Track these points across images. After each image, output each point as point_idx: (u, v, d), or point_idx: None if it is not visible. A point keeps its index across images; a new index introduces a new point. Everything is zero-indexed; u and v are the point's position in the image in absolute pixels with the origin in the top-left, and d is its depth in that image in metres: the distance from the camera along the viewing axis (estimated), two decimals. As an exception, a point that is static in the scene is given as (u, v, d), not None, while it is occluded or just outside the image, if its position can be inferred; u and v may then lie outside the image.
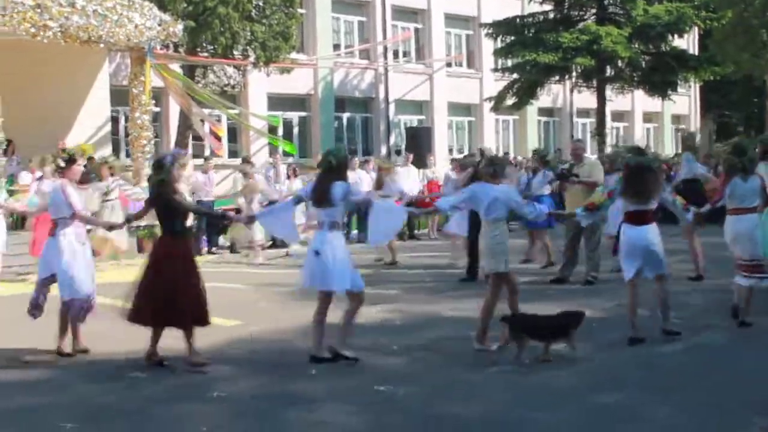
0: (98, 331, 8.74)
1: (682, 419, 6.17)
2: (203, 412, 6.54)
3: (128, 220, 9.81)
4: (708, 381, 7.20)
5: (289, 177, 19.98)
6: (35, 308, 8.58)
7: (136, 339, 8.79)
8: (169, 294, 7.86)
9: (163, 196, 8.16)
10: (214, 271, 14.95)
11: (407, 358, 8.21)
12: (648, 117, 41.55)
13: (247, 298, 12.20)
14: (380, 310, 10.70)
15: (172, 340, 8.05)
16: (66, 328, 8.49)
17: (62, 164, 8.75)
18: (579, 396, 6.83)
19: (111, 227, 11.29)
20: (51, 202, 8.74)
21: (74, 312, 8.42)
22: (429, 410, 6.55)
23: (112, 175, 16.30)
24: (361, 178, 20.42)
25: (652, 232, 8.60)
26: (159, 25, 18.71)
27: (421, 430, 6.16)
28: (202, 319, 8.12)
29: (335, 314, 8.05)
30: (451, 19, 34.03)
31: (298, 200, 8.79)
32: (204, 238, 18.52)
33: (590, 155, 12.88)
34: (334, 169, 8.13)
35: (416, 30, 33.29)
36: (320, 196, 8.05)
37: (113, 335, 8.78)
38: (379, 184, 16.49)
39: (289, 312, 10.58)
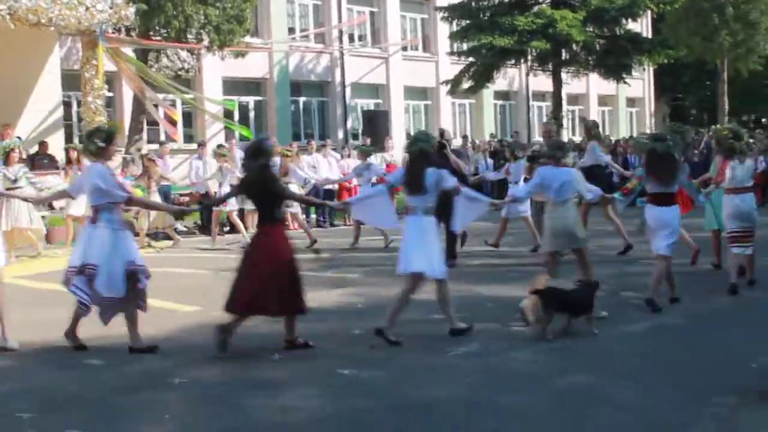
0: (58, 319, 8.55)
1: (648, 402, 6.15)
2: (166, 400, 6.40)
3: (210, 204, 9.37)
4: (674, 362, 7.21)
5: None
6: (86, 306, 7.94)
7: (95, 326, 8.67)
8: (274, 281, 7.62)
9: (265, 182, 7.87)
10: (173, 256, 14.79)
11: (369, 342, 8.11)
12: (603, 100, 41.82)
13: (206, 283, 12.03)
14: (341, 293, 10.66)
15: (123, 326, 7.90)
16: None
17: (101, 144, 8.06)
18: (545, 379, 6.79)
19: (182, 213, 11.04)
20: (93, 188, 7.91)
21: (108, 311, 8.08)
22: (394, 393, 6.49)
23: (22, 161, 14.94)
24: (318, 162, 20.33)
25: (671, 212, 9.15)
26: (110, 8, 18.34)
27: (386, 413, 6.07)
28: (303, 306, 7.88)
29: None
30: (407, 3, 33.94)
31: (391, 187, 8.73)
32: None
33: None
34: (425, 156, 8.19)
35: (372, 14, 33.16)
36: (414, 184, 8.11)
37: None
38: (283, 171, 16.38)
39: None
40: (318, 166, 20.37)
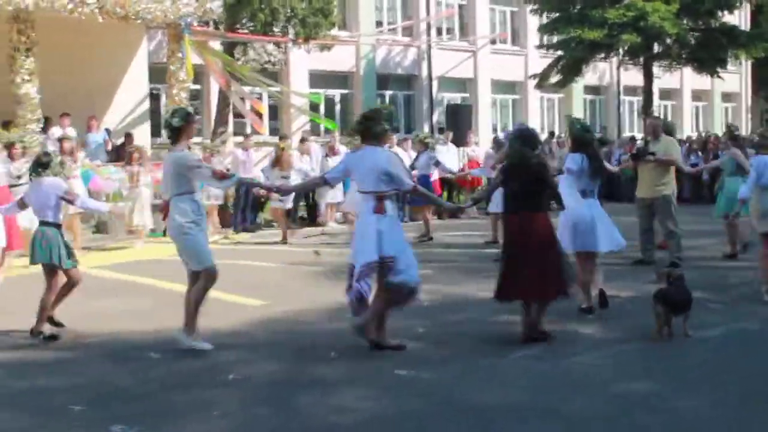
0: (127, 309, 8.66)
1: (710, 413, 5.86)
2: (217, 396, 6.35)
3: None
4: (746, 371, 6.84)
5: (327, 155, 19.68)
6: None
7: (159, 318, 8.76)
8: (538, 267, 7.68)
9: (538, 169, 7.91)
10: (246, 249, 14.87)
11: (432, 341, 7.98)
12: (697, 95, 40.71)
13: (275, 277, 12.07)
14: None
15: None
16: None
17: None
18: (603, 384, 6.55)
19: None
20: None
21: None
22: (449, 396, 6.32)
23: (24, 155, 14.29)
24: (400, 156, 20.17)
25: None
26: (196, 1, 18.63)
27: (440, 417, 5.91)
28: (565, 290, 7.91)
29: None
30: (496, -4, 33.58)
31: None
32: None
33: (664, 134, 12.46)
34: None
35: (460, 7, 32.88)
36: (597, 169, 8.98)
37: (138, 313, 8.74)
38: (277, 163, 16.53)
39: (317, 293, 10.44)
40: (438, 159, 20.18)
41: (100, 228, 17.11)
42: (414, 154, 18.04)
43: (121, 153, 19.41)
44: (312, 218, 19.51)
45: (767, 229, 9.47)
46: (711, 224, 13.92)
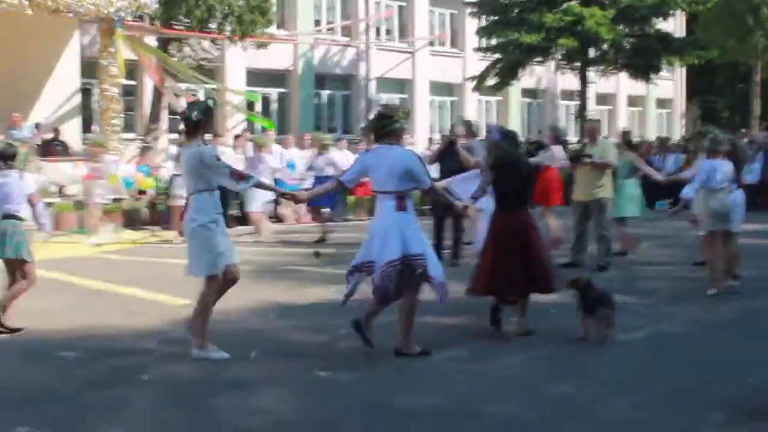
0: (48, 308, 8.44)
1: (635, 415, 5.83)
2: (132, 397, 6.15)
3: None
4: (668, 374, 6.85)
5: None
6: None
7: (78, 316, 8.56)
8: (534, 262, 7.92)
9: (526, 166, 8.44)
10: (174, 247, 14.59)
11: (356, 341, 7.83)
12: (633, 101, 41.26)
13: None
14: (336, 291, 10.34)
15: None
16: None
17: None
18: (531, 387, 6.48)
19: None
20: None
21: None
22: (369, 399, 6.20)
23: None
24: (334, 156, 20.07)
25: None
26: (130, -5, 18.34)
27: (356, 420, 5.79)
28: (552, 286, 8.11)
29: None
30: (435, -3, 33.66)
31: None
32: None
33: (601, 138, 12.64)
34: None
35: (399, 8, 32.93)
36: None
37: (54, 312, 8.53)
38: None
39: (242, 292, 10.23)
40: (335, 161, 20.09)
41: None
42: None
43: (49, 148, 19.02)
44: (243, 218, 19.27)
45: (713, 229, 10.03)
46: (642, 227, 14.07)
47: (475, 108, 34.81)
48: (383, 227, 7.22)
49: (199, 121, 7.28)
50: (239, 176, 7.44)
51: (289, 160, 19.29)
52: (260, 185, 8.10)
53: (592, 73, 31.31)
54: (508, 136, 8.43)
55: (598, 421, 5.74)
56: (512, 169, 8.10)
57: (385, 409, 5.99)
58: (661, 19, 30.66)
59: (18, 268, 8.31)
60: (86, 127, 22.09)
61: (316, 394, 6.34)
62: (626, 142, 13.46)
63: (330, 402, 6.15)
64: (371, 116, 9.78)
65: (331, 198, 15.77)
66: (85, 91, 22.33)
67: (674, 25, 37.46)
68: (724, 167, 9.95)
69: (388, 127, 7.32)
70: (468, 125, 13.23)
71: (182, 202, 14.98)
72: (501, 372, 6.95)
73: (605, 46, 29.64)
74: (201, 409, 5.93)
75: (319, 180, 15.56)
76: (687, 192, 11.18)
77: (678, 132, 40.65)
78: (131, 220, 18.56)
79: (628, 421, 5.74)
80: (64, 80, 20.82)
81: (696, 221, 10.96)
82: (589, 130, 12.95)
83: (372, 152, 7.56)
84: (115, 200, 18.49)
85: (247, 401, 6.13)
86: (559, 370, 7.03)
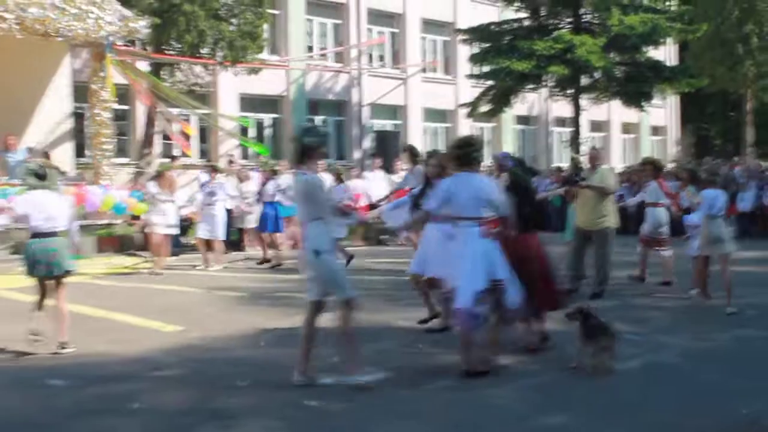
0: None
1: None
2: (118, 427, 6.07)
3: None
4: (662, 404, 6.77)
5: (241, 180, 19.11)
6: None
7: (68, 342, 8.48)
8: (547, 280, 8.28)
9: (532, 194, 8.70)
10: (168, 273, 14.53)
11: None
12: (626, 128, 41.40)
13: (196, 302, 11.79)
14: (329, 318, 10.27)
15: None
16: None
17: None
18: (522, 417, 6.40)
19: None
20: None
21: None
22: (360, 428, 6.13)
23: None
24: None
25: None
26: (120, 20, 18.29)
27: (348, 451, 5.74)
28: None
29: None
30: (428, 25, 33.78)
31: None
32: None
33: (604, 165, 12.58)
34: None
35: (392, 34, 33.03)
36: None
37: (44, 337, 8.43)
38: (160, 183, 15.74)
39: (235, 319, 10.23)
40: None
41: (19, 249, 16.57)
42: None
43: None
44: (237, 243, 19.18)
45: (712, 253, 10.95)
46: (633, 255, 14.00)
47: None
48: (464, 253, 7.41)
49: (311, 147, 7.15)
50: (343, 211, 7.84)
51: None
52: (363, 221, 8.42)
53: (584, 101, 31.35)
54: (521, 162, 8.89)
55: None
56: (525, 195, 8.36)
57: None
58: (651, 47, 30.75)
59: (57, 283, 8.55)
60: (80, 152, 22.00)
61: (304, 424, 6.24)
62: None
63: (318, 432, 6.06)
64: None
65: (274, 223, 16.39)
66: (79, 116, 22.25)
67: (665, 53, 37.68)
68: (722, 196, 10.88)
69: (472, 155, 7.59)
70: (411, 151, 13.11)
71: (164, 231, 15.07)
72: (491, 401, 6.86)
73: (597, 74, 29.70)
74: (187, 439, 5.84)
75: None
76: (693, 219, 11.68)
77: (670, 159, 40.76)
78: (124, 246, 18.47)
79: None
80: (55, 104, 20.73)
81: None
82: (591, 157, 12.65)
83: (453, 179, 7.66)
84: (107, 225, 18.44)
85: (234, 431, 6.02)
86: (550, 400, 6.93)
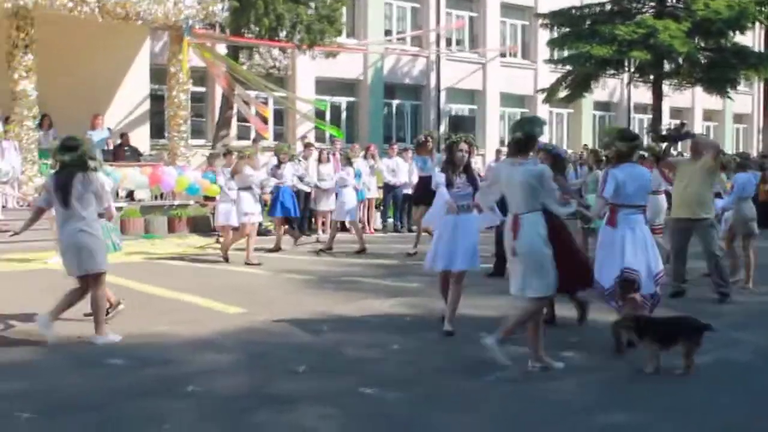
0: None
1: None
2: (171, 409, 6.07)
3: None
4: (729, 404, 6.49)
5: (320, 161, 19.07)
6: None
7: (129, 322, 8.59)
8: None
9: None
10: (233, 254, 14.58)
11: (405, 358, 7.69)
12: (708, 115, 40.44)
13: (263, 284, 11.85)
14: (393, 304, 10.27)
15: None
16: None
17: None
18: (580, 412, 6.22)
19: None
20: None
21: None
22: (415, 418, 6.04)
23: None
24: (398, 166, 20.08)
25: None
26: (198, 3, 18.48)
27: (400, 441, 5.67)
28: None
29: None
30: (507, 9, 33.41)
31: None
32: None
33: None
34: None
35: (471, 18, 32.74)
36: None
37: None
38: (234, 173, 14.49)
39: (300, 302, 10.24)
40: (397, 170, 20.06)
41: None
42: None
43: (118, 153, 19.26)
44: (308, 226, 19.29)
45: (745, 232, 11.89)
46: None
47: (546, 120, 34.36)
48: (638, 238, 7.88)
49: (534, 138, 7.23)
50: (564, 200, 7.91)
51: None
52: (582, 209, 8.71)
53: (666, 87, 30.64)
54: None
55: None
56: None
57: (427, 429, 5.82)
58: (737, 32, 29.88)
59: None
60: (159, 133, 22.36)
61: (359, 412, 6.16)
62: (597, 160, 13.96)
63: (372, 421, 5.98)
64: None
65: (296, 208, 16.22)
66: (158, 98, 22.59)
67: (752, 38, 36.60)
68: (753, 179, 12.37)
69: (636, 148, 8.12)
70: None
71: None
72: (552, 396, 6.70)
73: (679, 60, 29.00)
74: (240, 424, 5.81)
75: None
76: (726, 203, 12.16)
77: (755, 148, 39.63)
78: (196, 226, 18.71)
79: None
80: (134, 86, 21.13)
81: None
82: (692, 144, 11.32)
83: (620, 170, 7.93)
84: (180, 206, 18.68)
85: (289, 417, 5.99)
86: (611, 396, 6.75)
